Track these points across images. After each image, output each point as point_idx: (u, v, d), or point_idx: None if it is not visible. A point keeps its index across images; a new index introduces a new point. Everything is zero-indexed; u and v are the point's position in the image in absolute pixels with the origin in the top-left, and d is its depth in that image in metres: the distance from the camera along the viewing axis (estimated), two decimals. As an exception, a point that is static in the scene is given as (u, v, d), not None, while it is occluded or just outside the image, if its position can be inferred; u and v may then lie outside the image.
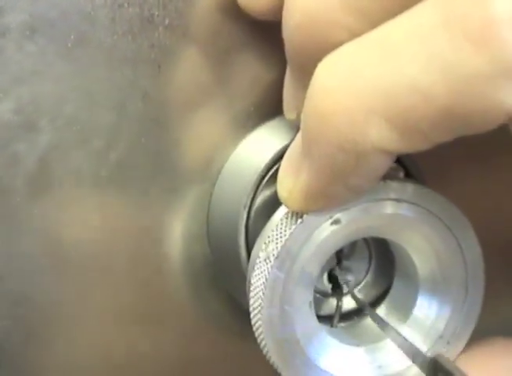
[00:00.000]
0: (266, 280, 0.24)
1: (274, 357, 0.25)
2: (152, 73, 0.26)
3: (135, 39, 0.26)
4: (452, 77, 0.19)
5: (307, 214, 0.24)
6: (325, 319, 0.28)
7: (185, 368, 0.30)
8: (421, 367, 0.25)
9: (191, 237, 0.28)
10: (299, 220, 0.24)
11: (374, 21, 0.21)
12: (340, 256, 0.28)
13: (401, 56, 0.19)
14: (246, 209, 0.27)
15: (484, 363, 0.26)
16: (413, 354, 0.25)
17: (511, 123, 0.19)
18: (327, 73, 0.21)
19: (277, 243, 0.24)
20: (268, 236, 0.25)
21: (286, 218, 0.24)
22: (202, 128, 0.27)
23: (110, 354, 0.28)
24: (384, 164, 0.21)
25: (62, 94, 0.25)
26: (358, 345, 0.27)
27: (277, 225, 0.25)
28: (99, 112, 0.26)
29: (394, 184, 0.25)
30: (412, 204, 0.25)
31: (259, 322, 0.25)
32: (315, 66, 0.22)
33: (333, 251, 0.25)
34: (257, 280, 0.25)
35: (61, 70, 0.25)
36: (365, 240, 0.29)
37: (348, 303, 0.29)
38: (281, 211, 0.25)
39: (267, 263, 0.24)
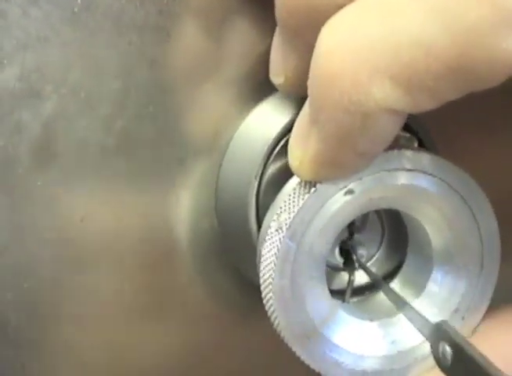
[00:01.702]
0: (278, 250, 0.24)
1: (284, 331, 0.25)
2: (160, 40, 0.25)
3: (142, 5, 0.25)
4: (455, 29, 0.18)
5: (320, 183, 0.23)
6: (337, 293, 0.27)
7: (193, 345, 0.29)
8: (427, 337, 0.24)
9: (199, 210, 0.27)
10: (312, 189, 0.23)
11: None
12: (353, 229, 0.28)
13: (401, 11, 0.19)
14: (257, 180, 0.26)
15: (504, 330, 0.25)
16: (424, 328, 0.25)
17: None
18: (330, 34, 0.21)
19: (290, 213, 0.24)
20: (281, 207, 0.24)
21: (299, 188, 0.24)
22: (211, 98, 0.26)
23: (115, 330, 0.28)
24: (392, 125, 0.21)
25: (67, 61, 0.24)
26: (371, 320, 0.26)
27: (290, 195, 0.24)
28: (105, 79, 0.25)
29: (408, 153, 0.24)
30: (427, 174, 0.24)
31: (270, 294, 0.24)
32: (307, 29, 0.22)
33: (346, 222, 0.25)
34: (268, 251, 0.24)
35: (67, 36, 0.24)
36: (377, 213, 0.28)
37: (361, 277, 0.28)
38: (293, 181, 0.24)
39: (279, 233, 0.24)
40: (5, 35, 0.24)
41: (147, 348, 0.28)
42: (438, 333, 0.24)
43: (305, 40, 0.23)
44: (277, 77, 0.25)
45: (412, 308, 0.25)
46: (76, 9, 0.24)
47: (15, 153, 0.24)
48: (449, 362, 0.23)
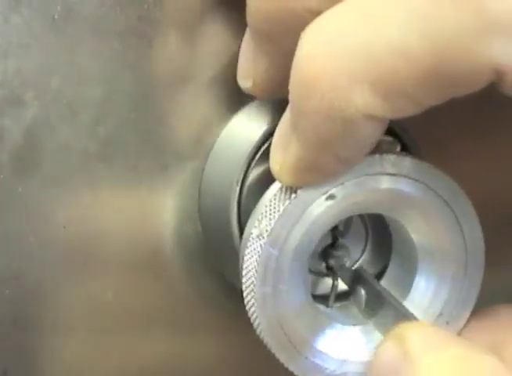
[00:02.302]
0: (259, 256, 0.24)
1: (267, 337, 0.24)
2: (141, 46, 0.25)
3: (123, 11, 0.25)
4: (434, 35, 0.18)
5: (300, 188, 0.23)
6: (320, 298, 0.27)
7: (176, 347, 0.29)
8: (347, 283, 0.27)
9: (182, 215, 0.27)
10: (293, 195, 0.23)
11: None
12: (336, 234, 0.28)
13: (380, 18, 0.19)
14: (239, 185, 0.26)
15: (489, 332, 0.25)
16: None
17: (500, 80, 0.18)
18: (310, 40, 0.21)
19: (270, 219, 0.24)
20: (262, 213, 0.24)
21: (280, 194, 0.24)
22: (193, 103, 0.26)
23: (101, 335, 0.28)
24: (373, 131, 0.21)
25: (48, 67, 0.25)
26: (354, 325, 0.26)
27: (270, 201, 0.24)
28: (86, 86, 0.25)
29: (390, 158, 0.24)
30: (410, 178, 0.24)
31: (252, 301, 0.24)
32: (280, 34, 0.22)
33: (328, 227, 0.25)
34: (249, 258, 0.24)
35: (47, 43, 0.24)
36: (361, 217, 0.28)
37: (343, 283, 0.28)
38: (274, 187, 0.24)
39: (260, 240, 0.24)
40: (-15, 42, 0.24)
41: (132, 353, 0.28)
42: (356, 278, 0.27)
43: (278, 45, 0.23)
44: (245, 80, 0.25)
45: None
46: (56, 16, 0.24)
47: (-3, 159, 0.25)
48: (364, 303, 0.26)
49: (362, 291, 0.27)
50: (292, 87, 0.21)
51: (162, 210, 0.27)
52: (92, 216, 0.26)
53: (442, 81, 0.19)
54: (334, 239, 0.28)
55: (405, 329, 0.22)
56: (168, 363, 0.29)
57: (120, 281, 0.27)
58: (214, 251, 0.28)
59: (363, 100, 0.20)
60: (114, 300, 0.27)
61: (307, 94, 0.20)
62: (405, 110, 0.20)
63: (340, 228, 0.28)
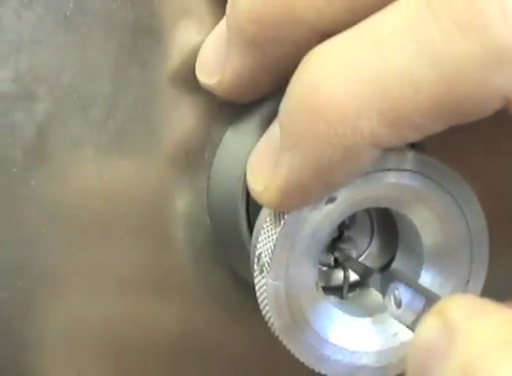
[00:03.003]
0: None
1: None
2: (151, 42, 0.26)
3: (133, 7, 0.25)
4: (443, 66, 0.18)
5: (287, 214, 0.23)
6: (330, 290, 0.27)
7: (185, 341, 0.29)
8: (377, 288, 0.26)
9: (191, 209, 0.28)
10: (282, 221, 0.23)
11: (347, 4, 0.20)
12: (342, 227, 0.28)
13: (390, 48, 0.19)
14: (247, 179, 0.26)
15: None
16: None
17: (509, 107, 0.19)
18: (318, 64, 0.20)
19: (266, 255, 0.24)
20: (258, 248, 0.24)
21: (270, 224, 0.24)
22: (202, 98, 0.27)
23: (109, 327, 0.28)
24: (372, 158, 0.21)
25: (60, 63, 0.25)
26: (364, 316, 0.26)
27: (264, 230, 0.24)
28: (97, 81, 0.25)
29: (394, 153, 0.24)
30: (414, 172, 0.24)
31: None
32: (267, 38, 0.22)
33: (334, 226, 0.25)
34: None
35: (59, 39, 0.25)
36: (367, 209, 0.28)
37: (353, 274, 0.28)
38: (263, 215, 0.24)
39: (264, 277, 0.24)
40: (-1, 38, 0.24)
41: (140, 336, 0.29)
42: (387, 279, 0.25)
43: (261, 50, 0.22)
44: (210, 76, 0.25)
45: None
46: (68, 13, 0.25)
47: (9, 153, 0.25)
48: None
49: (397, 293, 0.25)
50: (291, 109, 0.21)
51: (171, 203, 0.27)
52: (102, 210, 0.27)
53: (449, 111, 0.19)
54: (340, 232, 0.28)
55: (444, 303, 0.20)
56: (177, 356, 0.30)
57: (129, 273, 0.27)
58: (223, 245, 0.28)
59: (369, 128, 0.20)
60: (124, 291, 0.28)
61: (311, 119, 0.20)
62: (410, 137, 0.20)
63: (346, 221, 0.28)
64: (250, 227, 0.26)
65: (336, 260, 0.28)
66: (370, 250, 0.29)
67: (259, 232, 0.24)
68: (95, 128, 0.26)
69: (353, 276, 0.28)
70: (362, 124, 0.19)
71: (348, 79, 0.20)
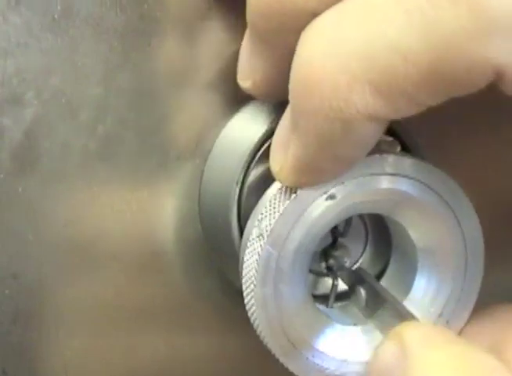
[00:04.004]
0: (259, 257, 0.24)
1: (267, 338, 0.24)
2: (140, 45, 0.25)
3: (123, 11, 0.25)
4: (432, 36, 0.18)
5: (300, 188, 0.23)
6: (320, 298, 0.27)
7: (175, 348, 0.29)
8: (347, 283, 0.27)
9: (182, 215, 0.27)
10: (293, 195, 0.23)
11: None
12: (336, 234, 0.28)
13: (379, 18, 0.19)
14: (239, 185, 0.26)
15: (489, 332, 0.25)
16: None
17: (499, 80, 0.18)
18: (310, 40, 0.21)
19: (270, 219, 0.24)
20: (262, 213, 0.24)
21: (280, 194, 0.24)
22: (193, 103, 0.26)
23: (100, 330, 0.28)
24: (373, 131, 0.21)
25: (48, 66, 0.25)
26: (354, 325, 0.26)
27: (270, 201, 0.24)
28: (86, 85, 0.25)
29: (390, 158, 0.24)
30: (410, 178, 0.24)
31: (252, 300, 0.24)
32: (278, 34, 0.22)
33: (328, 228, 0.24)
34: (250, 258, 0.24)
35: (47, 43, 0.24)
36: (361, 217, 0.28)
37: (343, 283, 0.28)
38: (274, 187, 0.24)
39: (260, 240, 0.24)
40: (-15, 42, 0.24)
41: (131, 353, 0.28)
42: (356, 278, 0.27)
43: (275, 45, 0.23)
44: (244, 81, 0.25)
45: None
46: (56, 16, 0.24)
47: (-4, 158, 0.25)
48: (364, 303, 0.26)
49: (362, 291, 0.26)
50: (292, 87, 0.21)
51: (162, 209, 0.27)
52: (92, 216, 0.26)
53: (442, 81, 0.19)
54: (334, 239, 0.28)
55: (404, 327, 0.21)
56: (167, 364, 0.29)
57: (119, 281, 0.27)
58: (214, 251, 0.28)
59: (363, 101, 0.20)
60: (114, 300, 0.27)
61: (306, 95, 0.20)
62: (405, 110, 0.20)
63: (340, 228, 0.28)
64: (242, 233, 0.26)
65: (328, 268, 0.28)
66: (364, 258, 0.29)
67: (264, 202, 0.24)
68: (84, 132, 0.25)
69: (341, 286, 0.28)
70: (355, 97, 0.20)
71: (339, 52, 0.20)
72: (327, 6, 0.21)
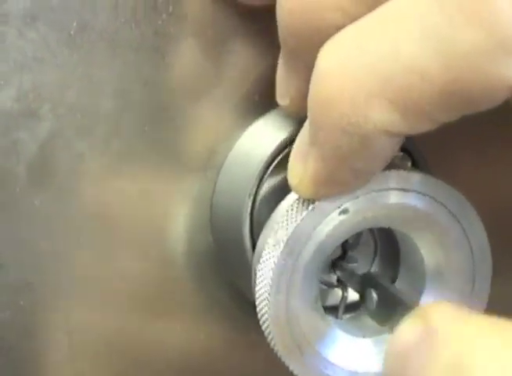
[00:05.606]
0: (275, 265, 0.24)
1: (279, 348, 0.25)
2: (155, 60, 0.26)
3: (138, 26, 0.25)
4: (448, 54, 0.18)
5: (318, 200, 0.24)
6: (330, 310, 0.27)
7: (187, 358, 0.29)
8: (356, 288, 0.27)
9: (195, 226, 0.28)
10: (310, 206, 0.24)
11: (368, 2, 0.20)
12: (346, 247, 0.28)
13: (396, 36, 0.19)
14: (251, 198, 0.26)
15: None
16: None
17: None
18: (328, 57, 0.21)
19: (287, 229, 0.24)
20: (278, 222, 0.24)
21: (297, 204, 0.24)
22: (206, 116, 0.27)
23: (112, 342, 0.28)
24: (390, 146, 0.21)
25: (64, 81, 0.25)
26: (364, 336, 0.26)
27: (287, 211, 0.24)
28: (101, 100, 0.25)
29: (400, 173, 0.24)
30: (419, 193, 0.24)
31: (265, 308, 0.24)
32: (308, 50, 0.22)
33: (340, 241, 0.25)
34: (264, 266, 0.24)
35: (63, 58, 0.25)
36: (370, 230, 0.28)
37: (353, 294, 0.28)
38: (290, 198, 0.24)
39: (276, 249, 0.24)
40: (2, 57, 0.24)
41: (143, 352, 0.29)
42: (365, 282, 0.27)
43: (306, 60, 0.23)
44: (282, 98, 0.25)
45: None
46: (72, 32, 0.25)
47: (12, 172, 0.25)
48: (375, 306, 0.26)
49: (374, 294, 0.26)
50: (310, 102, 0.22)
51: (174, 221, 0.27)
52: (105, 227, 0.26)
53: (458, 100, 0.19)
54: (344, 251, 0.28)
55: (427, 306, 0.20)
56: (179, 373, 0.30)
57: (132, 291, 0.28)
58: (225, 262, 0.28)
59: (381, 117, 0.20)
60: (127, 308, 0.28)
61: (325, 110, 0.21)
62: (422, 126, 0.20)
63: (350, 241, 0.28)
64: (254, 245, 0.26)
65: (338, 279, 0.28)
66: (372, 271, 0.29)
67: (280, 213, 0.24)
68: (99, 147, 0.25)
69: (351, 297, 0.28)
70: (372, 112, 0.20)
71: (356, 68, 0.20)
72: (352, 21, 0.21)
